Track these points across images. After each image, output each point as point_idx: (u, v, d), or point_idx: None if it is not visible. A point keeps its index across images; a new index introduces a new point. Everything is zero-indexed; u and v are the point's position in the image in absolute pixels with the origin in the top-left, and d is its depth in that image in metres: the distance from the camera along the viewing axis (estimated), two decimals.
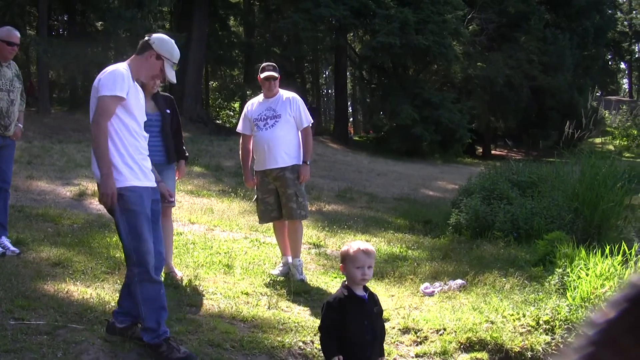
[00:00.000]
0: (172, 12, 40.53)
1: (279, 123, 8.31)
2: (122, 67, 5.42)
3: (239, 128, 8.67)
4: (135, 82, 5.59)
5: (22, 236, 8.68)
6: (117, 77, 5.28)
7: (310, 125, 8.64)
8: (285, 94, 8.55)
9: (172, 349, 5.33)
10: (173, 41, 5.70)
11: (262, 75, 8.41)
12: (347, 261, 4.47)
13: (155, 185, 5.66)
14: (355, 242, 4.58)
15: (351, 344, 4.39)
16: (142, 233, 5.32)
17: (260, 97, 8.58)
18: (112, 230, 9.54)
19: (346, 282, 4.53)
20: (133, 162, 5.34)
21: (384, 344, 4.76)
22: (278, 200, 8.45)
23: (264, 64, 8.61)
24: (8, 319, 5.83)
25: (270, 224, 8.89)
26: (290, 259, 8.53)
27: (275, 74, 8.37)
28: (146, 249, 5.35)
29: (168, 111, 7.63)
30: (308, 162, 8.55)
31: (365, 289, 4.56)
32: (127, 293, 5.58)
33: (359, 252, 4.43)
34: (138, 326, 5.68)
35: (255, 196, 8.64)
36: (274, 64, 8.60)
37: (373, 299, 4.59)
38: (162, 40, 5.60)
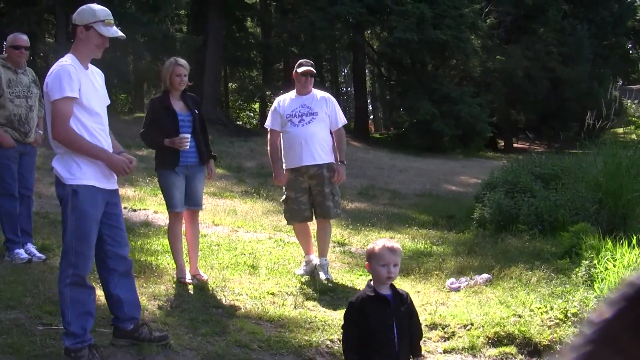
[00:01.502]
0: (188, 14, 40.63)
1: (315, 120, 8.30)
2: (65, 62, 5.26)
3: (268, 123, 8.53)
4: (93, 71, 5.51)
5: (47, 242, 8.74)
6: (63, 77, 5.14)
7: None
8: (319, 93, 8.55)
9: (94, 356, 5.21)
10: (92, 4, 5.44)
11: (300, 70, 8.37)
12: (372, 259, 4.41)
13: (115, 187, 5.55)
14: (381, 240, 4.53)
15: (376, 344, 4.34)
16: (88, 236, 5.23)
17: (292, 94, 8.51)
18: (136, 234, 9.60)
19: (372, 281, 4.49)
20: (94, 162, 5.25)
21: (419, 344, 4.66)
22: (310, 200, 8.43)
23: (301, 60, 8.59)
24: (36, 325, 5.88)
25: (282, 222, 8.83)
26: (313, 258, 8.52)
27: (313, 70, 8.37)
28: (87, 253, 5.26)
29: (197, 111, 7.66)
30: (344, 162, 8.53)
31: (392, 287, 4.50)
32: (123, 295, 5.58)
33: (385, 250, 4.37)
34: (145, 327, 5.68)
35: (284, 196, 8.54)
36: (312, 61, 8.59)
37: (400, 298, 4.50)
38: (80, 11, 5.37)
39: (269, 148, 8.55)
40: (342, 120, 8.58)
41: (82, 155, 5.19)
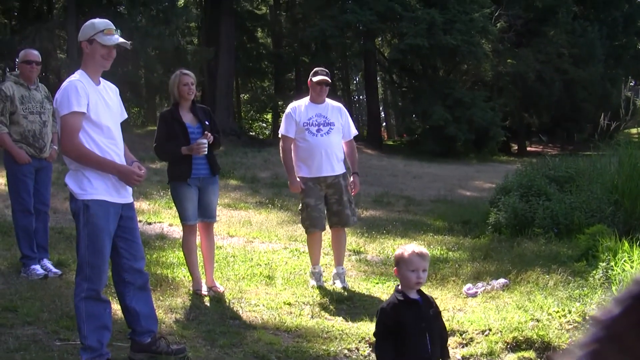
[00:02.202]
0: (199, 27, 40.76)
1: (334, 131, 8.32)
2: (73, 77, 5.31)
3: (284, 130, 8.42)
4: (106, 87, 5.55)
5: (63, 257, 8.77)
6: (71, 92, 5.18)
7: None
8: (332, 102, 8.54)
9: None
10: (93, 19, 5.48)
11: (315, 79, 8.34)
12: (401, 264, 4.42)
13: (129, 201, 5.57)
14: (410, 245, 4.53)
15: (410, 348, 4.35)
16: (101, 250, 5.24)
17: (305, 101, 8.46)
18: (152, 247, 9.62)
19: (399, 286, 4.48)
20: (105, 177, 5.26)
21: (447, 346, 4.69)
22: (325, 208, 8.43)
23: (317, 69, 8.56)
24: (54, 340, 5.90)
25: (297, 233, 8.78)
26: (320, 268, 8.49)
27: (328, 79, 8.35)
28: (101, 266, 5.27)
29: (207, 122, 7.66)
30: (358, 173, 8.57)
31: (420, 292, 4.51)
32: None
33: (414, 255, 4.37)
34: (162, 340, 5.68)
35: (302, 204, 8.46)
36: (327, 70, 8.59)
37: (428, 301, 4.52)
38: (82, 28, 5.43)
39: (282, 155, 8.47)
40: (353, 131, 8.62)
41: (92, 169, 5.20)
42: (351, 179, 8.48)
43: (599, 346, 1.39)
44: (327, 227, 8.53)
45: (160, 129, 7.70)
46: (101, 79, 5.51)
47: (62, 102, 5.19)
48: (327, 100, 8.50)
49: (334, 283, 8.33)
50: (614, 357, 1.38)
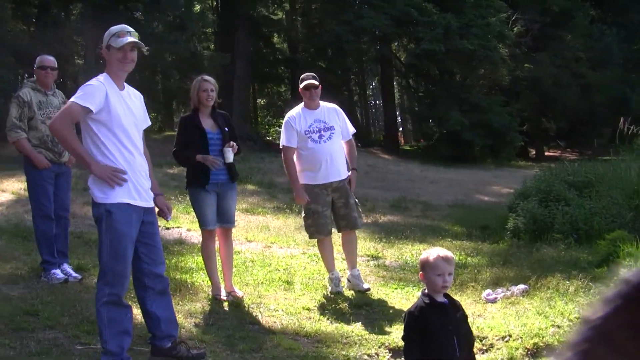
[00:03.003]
0: (215, 32, 40.84)
1: (335, 135, 8.30)
2: (95, 80, 5.37)
3: (285, 141, 8.33)
4: (130, 92, 5.59)
5: (82, 262, 8.80)
6: (85, 88, 5.28)
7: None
8: (326, 104, 8.51)
9: None
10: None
11: (302, 85, 8.33)
12: (426, 269, 4.41)
13: (151, 205, 5.58)
14: (435, 249, 4.53)
15: (439, 351, 4.34)
16: (123, 255, 5.25)
17: (299, 109, 8.42)
18: (170, 253, 9.64)
19: (426, 290, 4.48)
20: (127, 180, 5.27)
21: (473, 349, 4.69)
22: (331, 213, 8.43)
23: (302, 76, 8.54)
24: (75, 344, 5.93)
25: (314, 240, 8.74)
26: (338, 273, 8.46)
27: (316, 82, 8.30)
28: (123, 272, 5.29)
29: (227, 129, 7.66)
30: (356, 169, 8.64)
31: (446, 295, 4.50)
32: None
33: (439, 260, 4.37)
34: (182, 344, 5.69)
35: (308, 210, 8.39)
36: (313, 74, 8.55)
37: (454, 304, 4.53)
38: (103, 38, 5.51)
39: (286, 166, 8.42)
40: (351, 129, 8.63)
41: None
42: (349, 173, 8.48)
43: (589, 346, 1.39)
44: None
45: (179, 134, 7.73)
46: (126, 84, 5.53)
47: (77, 91, 5.29)
48: (321, 103, 8.48)
49: (357, 286, 8.29)
50: (604, 357, 1.38)
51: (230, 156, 7.47)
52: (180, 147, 7.62)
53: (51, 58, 8.33)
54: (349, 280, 8.43)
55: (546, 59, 36.20)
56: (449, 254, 4.49)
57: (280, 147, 8.50)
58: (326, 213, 8.30)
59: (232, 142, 7.53)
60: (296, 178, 8.30)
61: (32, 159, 7.97)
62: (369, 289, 8.33)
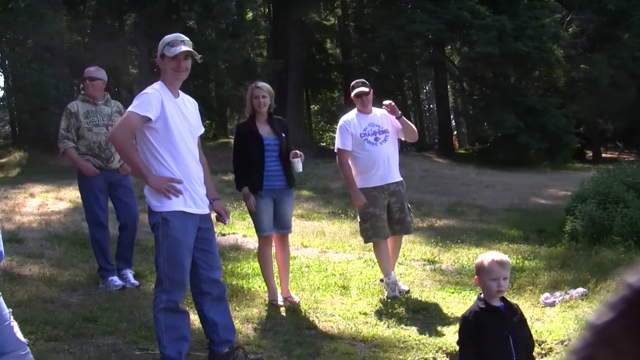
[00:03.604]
0: (268, 39, 41.09)
1: (390, 138, 8.33)
2: (151, 88, 5.41)
3: (341, 144, 8.32)
4: (185, 99, 5.62)
5: (140, 269, 8.91)
6: (142, 97, 5.30)
7: None
8: (378, 110, 8.52)
9: None
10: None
11: (353, 93, 8.37)
12: (481, 273, 4.39)
13: (206, 212, 5.59)
14: (490, 253, 4.49)
15: (495, 356, 4.31)
16: (181, 262, 5.28)
17: (353, 114, 8.44)
18: (226, 259, 9.70)
19: (482, 295, 4.45)
20: (182, 188, 5.29)
21: (533, 354, 4.63)
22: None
23: (353, 83, 8.57)
24: (133, 350, 5.99)
25: (370, 243, 8.73)
26: (395, 277, 8.43)
27: (366, 89, 8.31)
28: (181, 279, 5.31)
29: (284, 135, 7.69)
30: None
31: (503, 299, 4.46)
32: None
33: (494, 264, 4.34)
34: (240, 350, 5.70)
35: (363, 214, 8.37)
36: (364, 80, 8.57)
37: (512, 309, 4.47)
38: (157, 47, 5.56)
39: (342, 170, 8.42)
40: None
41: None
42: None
43: (592, 351, 1.38)
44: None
45: (236, 142, 7.80)
46: (180, 92, 5.58)
47: (134, 101, 5.32)
48: (374, 109, 8.49)
49: (394, 291, 8.25)
50: None
51: (299, 166, 7.52)
52: (237, 155, 7.67)
53: (92, 69, 8.45)
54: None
55: (602, 59, 35.65)
56: (505, 257, 4.45)
57: (335, 150, 8.49)
58: (384, 216, 8.29)
59: (298, 152, 7.57)
60: (353, 180, 8.30)
61: (79, 167, 8.14)
62: (408, 291, 8.39)
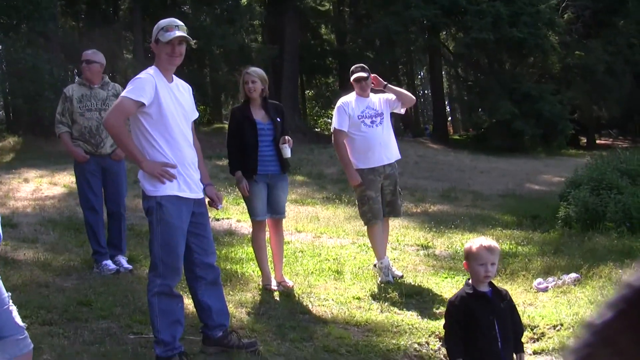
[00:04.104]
0: (263, 25, 40.98)
1: (385, 121, 8.42)
2: (144, 73, 5.38)
3: (338, 124, 8.39)
4: (179, 84, 5.60)
5: (134, 253, 8.91)
6: (136, 83, 5.26)
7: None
8: (374, 95, 8.58)
9: None
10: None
11: (353, 78, 8.46)
12: (470, 258, 4.44)
13: (200, 196, 5.58)
14: (478, 239, 4.52)
15: (480, 341, 4.36)
16: (175, 247, 5.28)
17: (353, 96, 8.49)
18: (220, 243, 9.71)
19: (470, 280, 4.49)
20: (176, 172, 5.28)
21: (521, 340, 4.69)
22: None
23: (352, 68, 8.64)
24: (127, 334, 5.99)
25: (364, 228, 8.80)
26: (388, 262, 8.45)
27: (365, 74, 8.39)
28: (175, 264, 5.31)
29: (279, 120, 7.69)
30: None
31: (491, 285, 4.50)
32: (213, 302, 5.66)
33: (482, 249, 4.38)
34: (233, 334, 5.72)
35: (361, 197, 8.41)
36: (363, 65, 8.64)
37: (499, 294, 4.52)
38: (152, 32, 5.54)
39: (338, 149, 8.50)
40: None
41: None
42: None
43: (591, 351, 1.39)
44: None
45: (230, 125, 7.78)
46: (175, 77, 5.57)
47: (127, 86, 5.31)
48: (371, 94, 8.56)
49: (388, 275, 8.29)
50: None
51: (287, 152, 7.51)
52: (230, 139, 7.67)
53: (90, 52, 8.40)
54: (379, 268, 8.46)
55: (598, 45, 35.63)
56: (493, 243, 4.48)
57: (332, 130, 8.59)
58: (379, 198, 8.37)
59: (287, 138, 7.56)
60: (349, 160, 8.36)
61: (70, 152, 8.18)
62: (402, 276, 8.43)
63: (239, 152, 7.57)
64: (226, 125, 38.45)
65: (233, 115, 7.86)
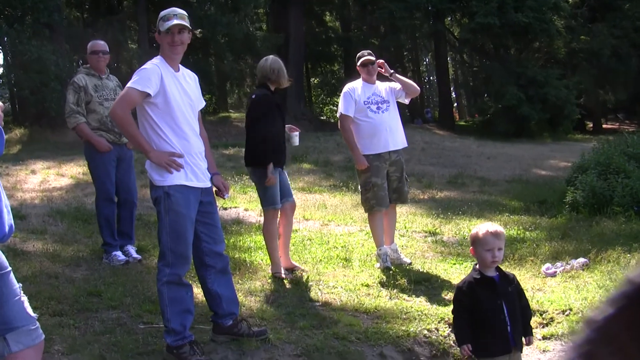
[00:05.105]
0: (267, 13, 40.91)
1: (391, 107, 8.44)
2: (150, 64, 5.39)
3: (344, 109, 8.38)
4: (185, 74, 5.59)
5: (142, 243, 8.94)
6: (142, 72, 5.28)
7: None
8: (380, 82, 8.59)
9: (195, 352, 5.29)
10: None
11: (359, 62, 8.48)
12: (476, 244, 4.47)
13: (208, 185, 5.59)
14: (484, 225, 4.55)
15: (488, 325, 4.38)
16: (184, 236, 5.29)
17: (359, 82, 8.50)
18: (229, 232, 9.73)
19: (477, 266, 4.51)
20: (183, 162, 5.29)
21: (530, 323, 4.72)
22: None
23: (359, 53, 8.68)
24: (138, 323, 6.03)
25: (365, 214, 8.81)
26: (386, 249, 8.45)
27: (372, 58, 8.44)
28: (184, 252, 5.32)
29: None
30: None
31: (498, 269, 4.52)
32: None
33: (488, 235, 4.41)
34: (243, 322, 5.74)
35: (365, 184, 8.39)
36: (369, 51, 8.71)
37: (507, 279, 4.55)
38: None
39: (345, 134, 8.49)
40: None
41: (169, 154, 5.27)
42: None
43: (592, 347, 1.39)
44: None
45: (258, 114, 7.55)
46: (181, 66, 5.57)
47: (133, 76, 5.30)
48: (377, 82, 8.58)
49: (394, 261, 8.32)
50: (608, 358, 1.37)
51: (296, 140, 7.63)
52: (261, 128, 7.52)
53: (102, 42, 8.42)
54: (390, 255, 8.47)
55: (604, 29, 35.49)
56: (499, 228, 4.51)
57: (338, 115, 8.62)
58: (385, 185, 8.36)
59: (293, 127, 7.63)
60: (355, 144, 8.35)
61: (93, 143, 8.03)
62: (410, 263, 8.46)
63: (271, 141, 7.49)
64: (232, 114, 38.26)
65: (261, 103, 7.63)
